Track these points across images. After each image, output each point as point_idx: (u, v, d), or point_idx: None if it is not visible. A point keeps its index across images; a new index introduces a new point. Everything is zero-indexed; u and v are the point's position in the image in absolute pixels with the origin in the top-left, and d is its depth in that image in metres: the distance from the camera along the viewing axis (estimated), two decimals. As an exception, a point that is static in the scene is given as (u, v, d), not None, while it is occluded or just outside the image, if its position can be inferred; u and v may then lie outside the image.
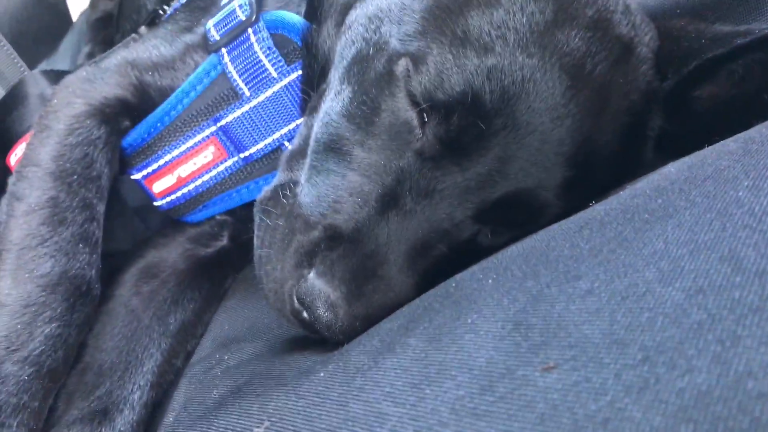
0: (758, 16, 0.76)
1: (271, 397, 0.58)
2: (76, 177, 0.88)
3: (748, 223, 0.41)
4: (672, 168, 0.58)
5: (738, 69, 0.71)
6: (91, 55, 1.51)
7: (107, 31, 1.59)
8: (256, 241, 0.76)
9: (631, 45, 0.75)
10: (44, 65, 1.54)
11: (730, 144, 0.55)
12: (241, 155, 0.94)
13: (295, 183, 0.77)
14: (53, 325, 0.78)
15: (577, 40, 0.70)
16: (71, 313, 0.80)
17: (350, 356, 0.57)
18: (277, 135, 0.92)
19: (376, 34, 0.76)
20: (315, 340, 0.71)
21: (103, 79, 0.98)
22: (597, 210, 0.57)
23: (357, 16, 0.81)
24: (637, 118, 0.76)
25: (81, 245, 0.84)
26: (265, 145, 0.93)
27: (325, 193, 0.72)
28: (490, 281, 0.54)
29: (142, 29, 1.18)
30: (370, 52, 0.75)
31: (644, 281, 0.42)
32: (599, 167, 0.73)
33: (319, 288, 0.66)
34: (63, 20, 1.67)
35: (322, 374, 0.56)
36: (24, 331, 0.76)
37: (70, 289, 0.80)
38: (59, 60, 1.59)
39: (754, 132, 0.54)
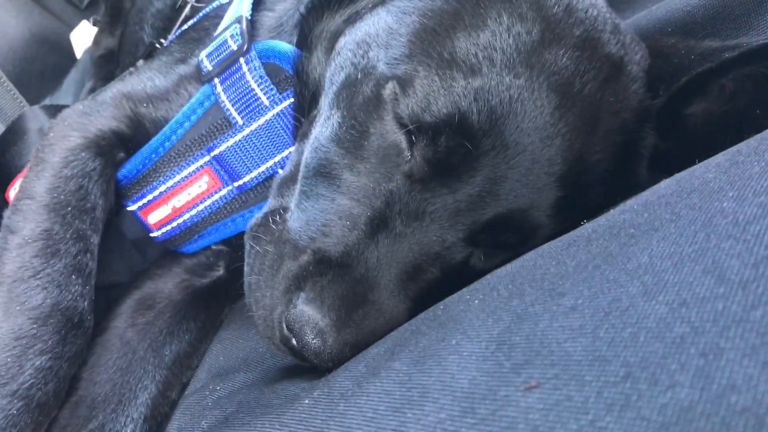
0: (747, 31, 0.75)
1: (255, 425, 0.57)
2: (70, 209, 0.88)
3: (732, 233, 0.40)
4: (662, 184, 0.57)
5: (729, 84, 0.70)
6: (93, 91, 1.52)
7: (110, 66, 1.61)
8: (246, 268, 0.75)
9: (621, 64, 0.75)
10: (48, 101, 1.56)
11: (719, 157, 0.54)
12: (235, 184, 0.94)
13: (285, 209, 0.76)
14: (44, 357, 0.77)
15: (565, 59, 0.70)
16: (63, 345, 0.79)
17: (335, 382, 0.56)
18: (270, 163, 0.92)
19: (364, 59, 0.76)
20: (306, 368, 0.69)
21: (98, 111, 0.98)
22: (585, 227, 0.56)
23: (346, 42, 0.81)
24: (629, 136, 0.75)
25: (74, 277, 0.84)
26: (259, 174, 0.93)
27: (314, 217, 0.72)
28: (476, 302, 0.53)
29: (140, 62, 1.19)
30: (359, 76, 0.75)
31: (628, 296, 0.41)
32: (592, 186, 0.72)
33: (308, 314, 0.65)
34: (67, 57, 1.69)
35: (306, 401, 0.55)
36: (14, 364, 0.75)
37: (62, 321, 0.80)
38: (62, 96, 1.61)
39: (743, 145, 0.53)
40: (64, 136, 0.95)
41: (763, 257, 0.37)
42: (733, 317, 0.35)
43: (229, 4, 1.10)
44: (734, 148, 0.54)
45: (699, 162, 0.60)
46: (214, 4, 1.14)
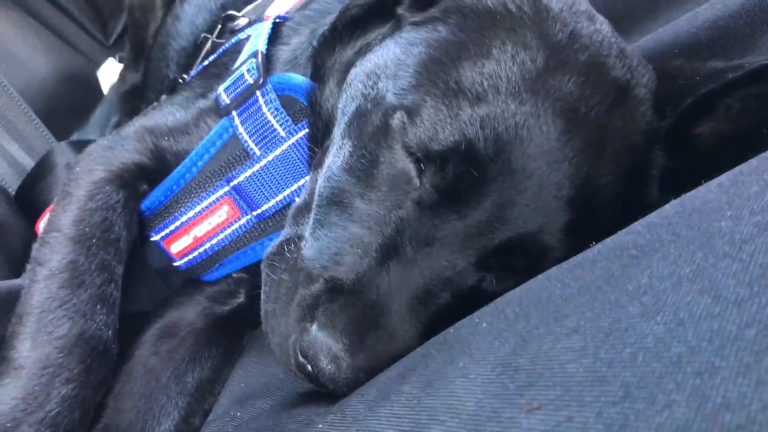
0: (752, 51, 0.76)
1: (271, 450, 0.58)
2: (95, 240, 0.91)
3: (728, 252, 0.41)
4: (668, 205, 0.58)
5: (735, 104, 0.71)
6: (118, 125, 1.57)
7: (134, 102, 1.66)
8: (263, 296, 0.77)
9: (628, 87, 0.76)
10: (75, 137, 1.61)
11: (722, 177, 0.54)
12: (254, 213, 0.96)
13: (300, 237, 0.78)
14: (70, 386, 0.79)
15: (570, 84, 0.71)
16: (88, 374, 0.81)
17: (348, 406, 0.57)
18: (287, 192, 0.94)
19: (373, 90, 0.78)
20: (323, 394, 0.70)
21: (122, 146, 1.01)
22: (591, 250, 0.56)
23: (356, 73, 0.84)
24: (638, 158, 0.75)
25: (99, 306, 0.86)
26: (277, 202, 0.95)
27: (327, 246, 0.73)
28: (484, 325, 0.54)
29: (163, 98, 1.23)
30: (369, 107, 0.77)
31: (627, 317, 0.42)
32: (602, 209, 0.73)
33: (321, 341, 0.66)
34: (94, 94, 1.75)
35: (320, 426, 0.56)
36: (41, 392, 0.78)
37: (87, 350, 0.82)
38: (90, 131, 1.66)
39: (744, 165, 0.54)
40: (89, 170, 0.98)
41: (758, 276, 0.38)
42: (728, 336, 0.36)
43: (247, 39, 1.13)
44: (736, 169, 0.54)
45: (705, 182, 0.60)
46: (233, 40, 1.18)
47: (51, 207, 1.04)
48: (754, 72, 0.66)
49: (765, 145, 0.65)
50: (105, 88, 1.77)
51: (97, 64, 1.81)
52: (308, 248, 0.75)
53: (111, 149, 1.02)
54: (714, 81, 0.69)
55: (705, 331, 0.37)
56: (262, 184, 0.95)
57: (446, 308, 0.71)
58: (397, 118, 0.72)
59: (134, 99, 1.67)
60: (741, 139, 0.70)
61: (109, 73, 1.76)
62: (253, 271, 1.03)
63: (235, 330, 1.02)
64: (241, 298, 1.04)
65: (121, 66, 1.74)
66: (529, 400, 0.41)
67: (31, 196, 1.19)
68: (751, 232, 0.41)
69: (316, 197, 0.79)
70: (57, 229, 0.92)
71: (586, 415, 0.38)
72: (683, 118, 0.74)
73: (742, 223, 0.42)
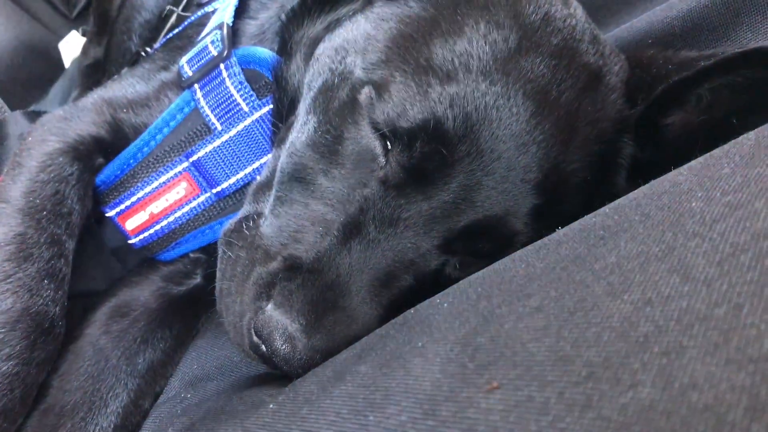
0: (724, 42, 0.75)
1: (219, 431, 0.55)
2: (45, 213, 0.87)
3: (698, 231, 0.39)
4: (637, 189, 0.57)
5: (706, 94, 0.70)
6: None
7: (97, 76, 1.60)
8: (218, 274, 0.74)
9: (600, 74, 0.75)
10: (32, 109, 1.54)
11: (693, 162, 0.53)
12: (214, 191, 0.93)
13: (259, 214, 0.75)
14: (11, 363, 0.75)
15: (541, 67, 0.69)
16: (31, 350, 0.77)
17: (302, 387, 0.54)
18: (249, 169, 0.91)
19: (341, 65, 0.76)
20: (278, 376, 0.68)
21: (78, 117, 0.97)
22: (558, 232, 0.55)
23: (324, 48, 0.81)
24: (607, 146, 0.74)
25: (46, 281, 0.82)
26: (237, 180, 0.91)
27: (287, 223, 0.71)
28: (446, 305, 0.52)
29: (124, 71, 1.18)
30: (336, 81, 0.75)
31: (593, 296, 0.40)
32: (569, 195, 0.72)
33: (277, 320, 0.63)
34: (55, 67, 1.69)
35: (271, 406, 0.53)
36: None
37: (32, 326, 0.78)
38: (48, 105, 1.59)
39: (716, 150, 0.53)
40: (43, 140, 0.94)
41: (728, 255, 0.36)
42: (697, 315, 0.34)
43: (214, 12, 1.10)
44: (707, 154, 0.53)
45: (674, 171, 0.59)
46: (199, 13, 1.14)
47: (1, 178, 0.99)
48: (727, 61, 0.65)
49: (735, 136, 0.65)
50: (67, 61, 1.70)
51: (59, 37, 1.74)
52: (267, 225, 0.72)
53: (66, 120, 0.98)
54: (686, 69, 0.68)
55: (673, 310, 0.36)
56: (223, 161, 0.91)
57: (408, 291, 0.69)
58: (365, 93, 0.70)
59: (97, 73, 1.61)
60: (711, 130, 0.69)
61: (72, 46, 1.70)
62: (210, 251, 0.99)
63: (190, 311, 0.99)
64: (198, 279, 1.00)
65: (84, 39, 1.68)
66: (488, 379, 0.39)
67: (-19, 167, 1.14)
68: (722, 211, 0.40)
69: (277, 173, 0.76)
70: (5, 200, 0.88)
71: (547, 394, 0.36)
72: (654, 107, 0.73)
73: (713, 203, 0.41)
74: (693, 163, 0.51)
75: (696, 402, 0.31)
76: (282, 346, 0.63)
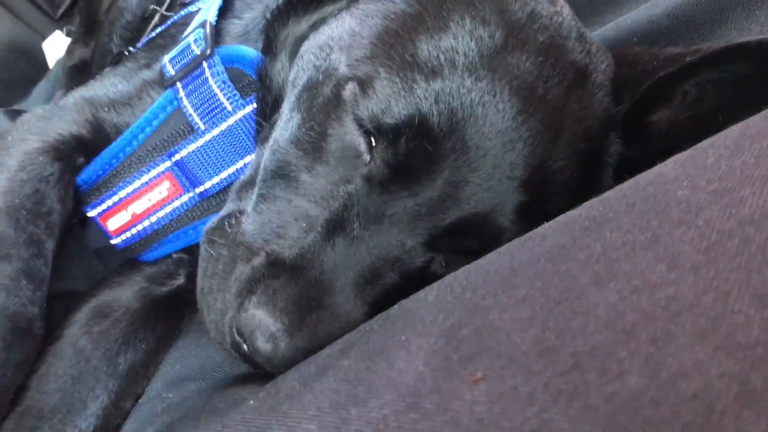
0: (709, 40, 0.75)
1: (198, 429, 0.54)
2: (24, 213, 0.85)
3: (684, 219, 0.39)
4: (622, 183, 0.56)
5: (692, 90, 0.70)
6: (62, 101, 1.50)
7: (82, 78, 1.59)
8: (199, 272, 0.73)
9: (586, 71, 0.74)
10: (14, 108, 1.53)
11: (679, 154, 0.53)
12: (197, 190, 0.91)
13: (242, 212, 0.74)
14: None
15: (528, 64, 0.69)
16: (8, 351, 0.75)
17: (283, 383, 0.53)
18: (232, 169, 0.89)
19: (326, 62, 0.75)
20: (260, 374, 0.67)
21: (59, 116, 0.96)
22: (543, 226, 0.54)
23: (309, 45, 0.80)
24: (594, 144, 0.74)
25: (24, 282, 0.80)
26: (221, 180, 0.90)
27: (269, 219, 0.70)
28: (430, 299, 0.51)
29: (106, 70, 1.17)
30: (320, 78, 0.74)
31: (578, 285, 0.40)
32: (555, 193, 0.71)
33: (259, 318, 0.62)
34: (38, 67, 1.67)
35: (251, 402, 0.52)
36: None
37: (8, 327, 0.76)
38: (30, 105, 1.57)
39: (702, 142, 0.53)
40: (23, 139, 0.92)
41: (715, 242, 0.36)
42: (684, 302, 0.34)
43: (198, 12, 1.09)
44: (693, 146, 0.53)
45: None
46: (183, 12, 1.13)
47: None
48: (712, 56, 0.65)
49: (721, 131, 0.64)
50: (50, 61, 1.69)
51: (43, 36, 1.72)
52: (250, 222, 0.71)
53: (47, 119, 0.96)
54: (672, 66, 0.68)
55: (660, 298, 0.35)
56: (206, 160, 0.90)
57: (393, 289, 0.68)
58: (349, 89, 0.69)
59: (82, 75, 1.60)
60: (697, 126, 0.69)
61: (56, 46, 1.68)
62: (194, 251, 0.97)
63: (173, 312, 0.97)
64: (181, 280, 0.99)
65: (68, 39, 1.66)
66: (472, 371, 0.39)
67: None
68: (707, 199, 0.39)
69: (260, 171, 0.75)
70: None
71: (532, 385, 0.35)
72: (640, 104, 0.73)
73: (698, 192, 0.41)
74: (679, 155, 0.51)
75: (685, 390, 0.30)
76: (264, 345, 0.61)
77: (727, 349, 0.31)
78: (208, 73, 0.90)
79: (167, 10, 1.23)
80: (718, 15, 0.75)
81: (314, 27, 0.85)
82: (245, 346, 0.63)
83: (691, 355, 0.31)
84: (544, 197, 0.70)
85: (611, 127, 0.76)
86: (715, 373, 0.30)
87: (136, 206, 0.94)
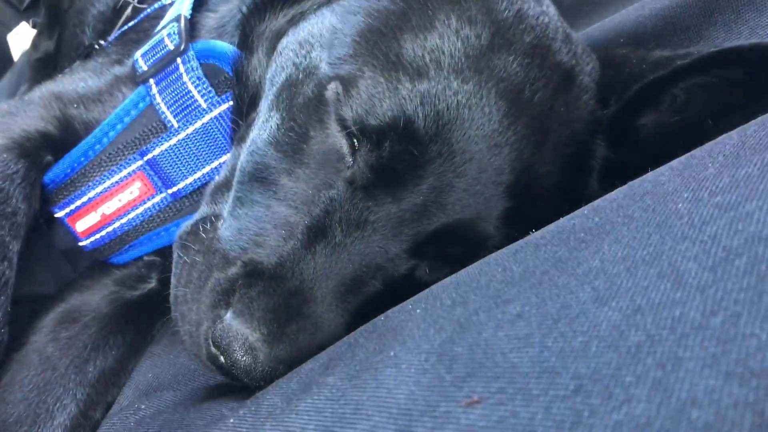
0: (698, 42, 0.74)
1: (174, 447, 0.52)
2: None
3: (688, 234, 0.37)
4: (615, 191, 0.55)
5: (680, 94, 0.69)
6: (27, 95, 1.45)
7: (47, 70, 1.54)
8: (173, 280, 0.70)
9: (573, 73, 0.73)
10: (-23, 105, 1.47)
11: (673, 162, 0.51)
12: (170, 191, 0.88)
13: (218, 216, 0.71)
14: None
15: (514, 65, 0.67)
16: None
17: (264, 400, 0.51)
18: (207, 169, 0.87)
19: (306, 59, 0.72)
20: (239, 386, 0.64)
21: (24, 111, 0.92)
22: (534, 235, 0.53)
23: (288, 42, 0.77)
24: (580, 147, 0.73)
25: (-13, 286, 0.77)
26: (195, 180, 0.87)
27: (247, 225, 0.67)
28: (418, 311, 0.49)
29: (76, 64, 1.13)
30: (300, 77, 0.72)
31: (578, 302, 0.38)
32: (541, 198, 0.70)
33: (236, 329, 0.60)
34: (2, 60, 1.61)
35: (231, 420, 0.50)
36: None
37: None
38: (-6, 99, 1.52)
39: (696, 150, 0.51)
40: None
41: (722, 259, 0.34)
42: (692, 324, 0.32)
43: (171, 4, 1.05)
44: (687, 154, 0.51)
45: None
46: (156, 5, 1.10)
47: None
48: (702, 60, 0.64)
49: (709, 137, 0.63)
50: (15, 54, 1.63)
51: (8, 28, 1.67)
52: (226, 228, 0.68)
53: (12, 115, 0.92)
54: (661, 69, 0.67)
55: (666, 318, 0.33)
56: (179, 160, 0.87)
57: (376, 297, 0.66)
58: (332, 89, 0.67)
59: (47, 68, 1.55)
60: (685, 130, 0.68)
61: (21, 38, 1.63)
62: (166, 254, 0.94)
63: (144, 317, 0.94)
64: (153, 283, 0.95)
65: (34, 31, 1.61)
66: (467, 392, 0.37)
67: None
68: (711, 213, 0.38)
69: (237, 173, 0.73)
70: None
71: (532, 410, 0.33)
72: (627, 107, 0.71)
73: (701, 205, 0.39)
74: (673, 163, 0.50)
75: (696, 420, 0.28)
76: (242, 357, 0.59)
77: (740, 376, 0.29)
78: (182, 69, 0.87)
79: (140, 2, 1.19)
80: (708, 17, 0.74)
81: (292, 22, 0.82)
82: (222, 358, 0.60)
83: (701, 380, 0.30)
84: (529, 202, 0.69)
85: (597, 131, 0.75)
86: (727, 402, 0.29)
87: (106, 207, 0.90)
